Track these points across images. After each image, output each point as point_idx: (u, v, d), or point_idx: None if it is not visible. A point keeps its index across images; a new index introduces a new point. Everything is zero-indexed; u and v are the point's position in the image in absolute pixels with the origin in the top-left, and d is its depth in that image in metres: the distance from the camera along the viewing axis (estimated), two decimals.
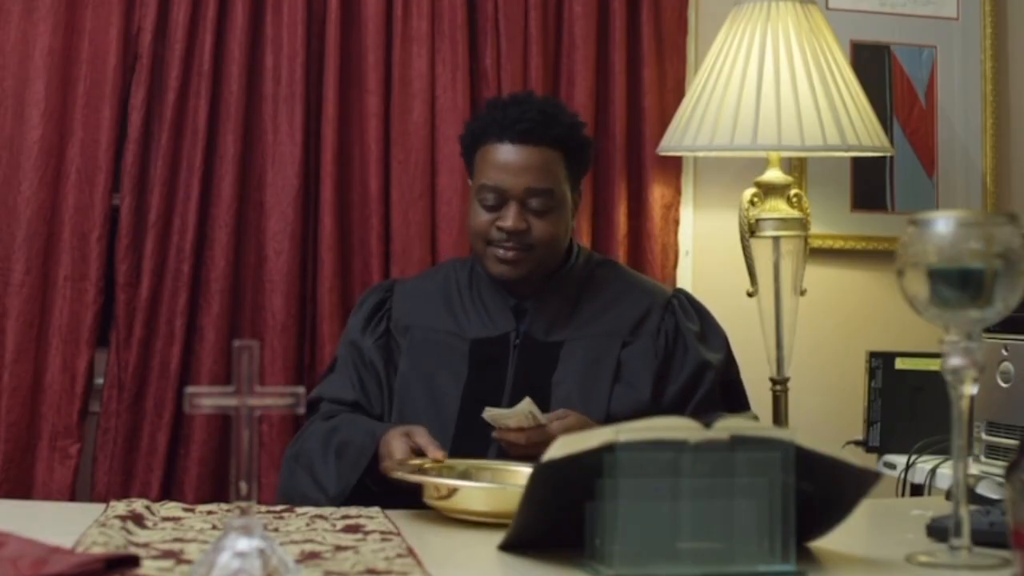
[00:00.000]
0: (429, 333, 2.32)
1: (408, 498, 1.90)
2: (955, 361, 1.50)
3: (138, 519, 1.69)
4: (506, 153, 2.25)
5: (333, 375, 2.38)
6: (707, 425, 1.46)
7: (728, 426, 1.47)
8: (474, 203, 2.29)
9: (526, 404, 2.07)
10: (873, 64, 3.25)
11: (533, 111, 2.26)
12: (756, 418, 2.36)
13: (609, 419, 2.11)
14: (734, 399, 2.33)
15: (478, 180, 2.29)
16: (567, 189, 2.29)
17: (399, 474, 1.89)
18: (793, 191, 3.01)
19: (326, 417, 2.30)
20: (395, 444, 2.03)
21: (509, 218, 2.25)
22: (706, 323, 2.35)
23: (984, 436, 2.46)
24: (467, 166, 2.37)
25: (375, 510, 1.86)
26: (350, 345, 2.37)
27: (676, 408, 2.23)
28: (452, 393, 2.25)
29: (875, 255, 3.26)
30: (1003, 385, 2.44)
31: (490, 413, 2.08)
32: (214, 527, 1.67)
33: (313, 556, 1.51)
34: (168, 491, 2.86)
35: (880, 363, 2.79)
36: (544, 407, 2.18)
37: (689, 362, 2.28)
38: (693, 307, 2.36)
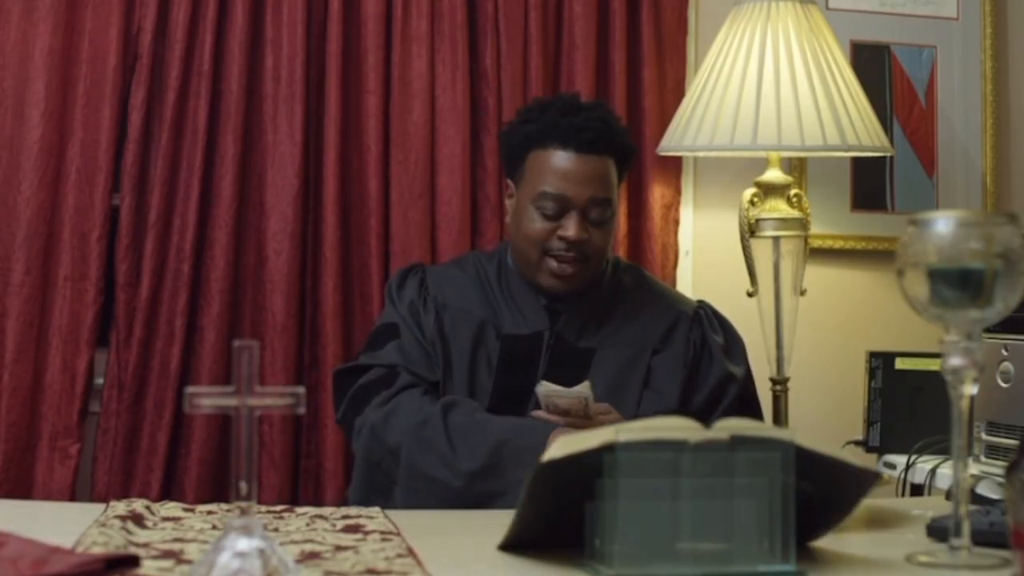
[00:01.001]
0: (469, 318, 2.31)
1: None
2: (955, 361, 1.50)
3: (138, 519, 1.69)
4: (570, 161, 2.24)
5: (401, 344, 2.29)
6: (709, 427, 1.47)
7: (728, 426, 1.47)
8: (530, 210, 2.27)
9: (585, 388, 2.06)
10: (873, 64, 3.25)
11: (595, 119, 2.25)
12: None
13: None
14: (751, 411, 2.35)
15: (536, 186, 2.26)
16: (616, 197, 2.30)
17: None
18: (793, 191, 3.01)
19: (424, 392, 2.21)
20: None
21: (571, 228, 2.23)
22: (730, 336, 2.38)
23: (984, 436, 2.46)
24: (508, 167, 2.35)
25: (375, 510, 1.86)
26: (413, 320, 2.30)
27: (701, 419, 2.23)
28: (485, 383, 2.24)
29: (875, 255, 3.26)
30: (1003, 385, 2.44)
31: (545, 388, 2.06)
32: (214, 527, 1.67)
33: (313, 556, 1.51)
34: (168, 491, 2.86)
35: (880, 363, 2.79)
36: None
37: (714, 373, 2.30)
38: (718, 320, 2.40)
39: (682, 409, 2.24)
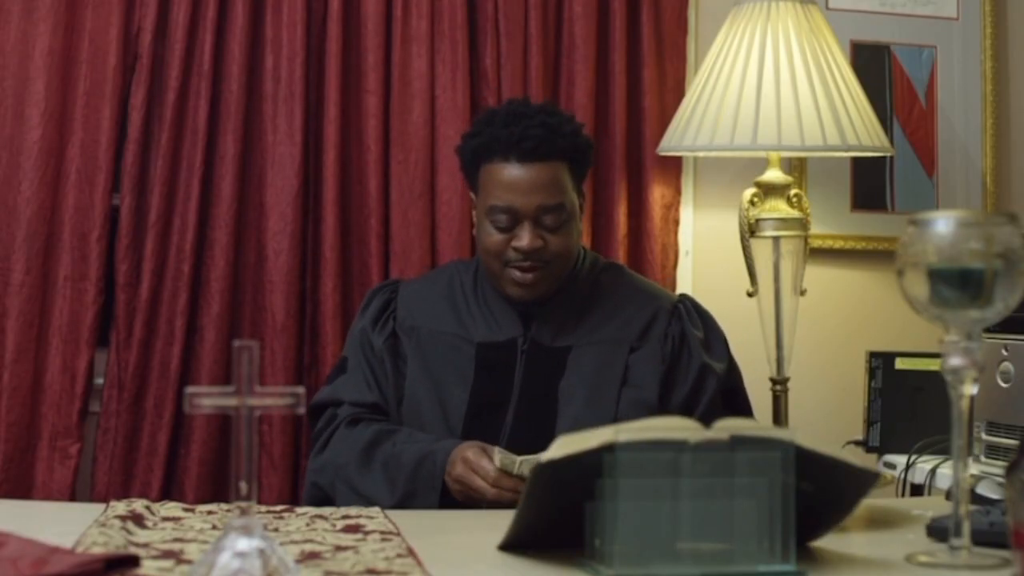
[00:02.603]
0: (435, 335, 2.32)
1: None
2: (955, 361, 1.50)
3: (138, 519, 1.69)
4: (513, 172, 2.23)
5: (346, 376, 2.35)
6: (708, 426, 1.47)
7: (728, 426, 1.47)
8: (484, 223, 2.27)
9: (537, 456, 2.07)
10: (873, 64, 3.25)
11: (535, 126, 2.23)
12: None
13: (617, 423, 2.11)
14: (738, 406, 2.33)
15: (486, 200, 2.27)
16: (574, 197, 2.29)
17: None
18: (793, 191, 3.01)
19: (351, 422, 2.28)
20: (480, 462, 2.05)
21: (524, 238, 2.23)
22: (710, 330, 2.36)
23: (984, 436, 2.46)
24: (468, 180, 2.35)
25: (375, 510, 1.86)
26: (361, 344, 2.35)
27: (682, 413, 2.23)
28: (459, 397, 2.24)
29: (875, 255, 3.26)
30: (1003, 385, 2.44)
31: (499, 457, 2.06)
32: (214, 527, 1.67)
33: (313, 556, 1.51)
34: (168, 491, 2.86)
35: (880, 363, 2.79)
36: (551, 413, 2.19)
37: (693, 368, 2.28)
38: (698, 313, 2.37)
39: (662, 405, 2.24)
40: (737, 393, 2.36)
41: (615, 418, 2.17)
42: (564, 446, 1.47)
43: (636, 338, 2.29)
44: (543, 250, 2.24)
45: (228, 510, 1.44)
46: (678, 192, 3.16)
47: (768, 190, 2.97)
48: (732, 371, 2.36)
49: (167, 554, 1.49)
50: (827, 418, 3.15)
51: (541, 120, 2.25)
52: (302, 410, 1.31)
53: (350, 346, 2.40)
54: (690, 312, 2.35)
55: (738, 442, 1.45)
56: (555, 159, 2.25)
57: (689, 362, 2.29)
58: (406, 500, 2.13)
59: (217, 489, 2.87)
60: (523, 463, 2.00)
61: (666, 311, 2.33)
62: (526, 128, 2.22)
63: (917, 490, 2.58)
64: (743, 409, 2.34)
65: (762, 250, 3.00)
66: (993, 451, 2.45)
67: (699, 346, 2.30)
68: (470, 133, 2.34)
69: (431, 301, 2.36)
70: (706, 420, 2.14)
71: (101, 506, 1.81)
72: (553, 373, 2.25)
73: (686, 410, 2.24)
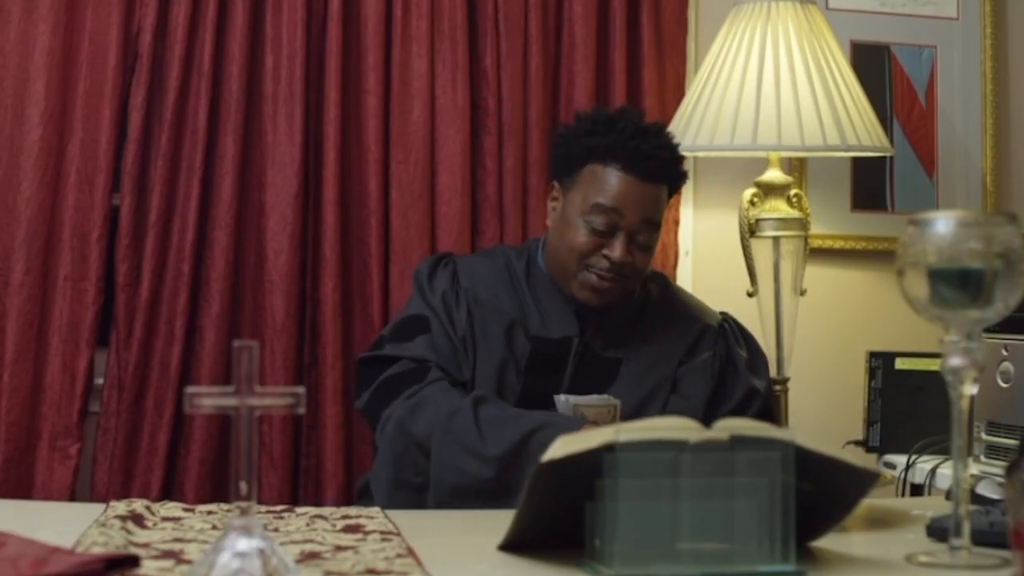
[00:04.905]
0: (497, 313, 2.30)
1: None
2: (955, 361, 1.50)
3: (138, 519, 1.69)
4: (629, 185, 2.25)
5: (430, 336, 2.27)
6: None
7: (728, 426, 1.48)
8: (579, 221, 2.26)
9: (610, 397, 2.05)
10: (873, 64, 3.25)
11: (663, 148, 2.26)
12: None
13: None
14: (771, 423, 2.34)
15: (590, 198, 2.26)
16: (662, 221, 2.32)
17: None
18: (793, 191, 3.01)
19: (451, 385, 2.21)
20: None
21: (618, 249, 2.24)
22: (753, 350, 2.40)
23: (984, 436, 2.47)
24: (559, 170, 2.34)
25: (375, 510, 1.86)
26: (440, 312, 2.29)
27: None
28: (513, 383, 2.24)
29: (875, 255, 3.26)
30: (1003, 385, 2.44)
31: (572, 400, 2.05)
32: (214, 527, 1.67)
33: (313, 556, 1.51)
34: (168, 491, 2.86)
35: (880, 363, 2.79)
36: None
37: (740, 387, 2.31)
38: (742, 333, 2.41)
39: (707, 421, 2.24)
40: (771, 414, 2.38)
41: None
42: (564, 446, 1.47)
43: (684, 353, 2.32)
44: (630, 265, 2.25)
45: (228, 510, 1.44)
46: (678, 192, 3.15)
47: (768, 190, 2.97)
48: (771, 391, 2.40)
49: (167, 554, 1.49)
50: (827, 418, 3.15)
51: (666, 143, 2.28)
52: (302, 410, 1.31)
53: (429, 310, 2.30)
54: (735, 332, 2.39)
55: (738, 442, 1.46)
56: (665, 183, 2.28)
57: (735, 382, 2.31)
58: (515, 459, 2.05)
59: (217, 489, 2.87)
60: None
61: (713, 330, 2.36)
62: (656, 148, 2.25)
63: (917, 490, 2.58)
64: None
65: (762, 250, 3.01)
66: (993, 451, 2.45)
67: (745, 367, 2.33)
68: (585, 130, 2.30)
69: (490, 277, 2.35)
70: None
71: (101, 506, 1.81)
72: (603, 381, 2.26)
73: None
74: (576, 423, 2.08)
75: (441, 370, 2.23)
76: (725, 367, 2.32)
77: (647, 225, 2.26)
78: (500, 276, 2.35)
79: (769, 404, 2.38)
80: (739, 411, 2.29)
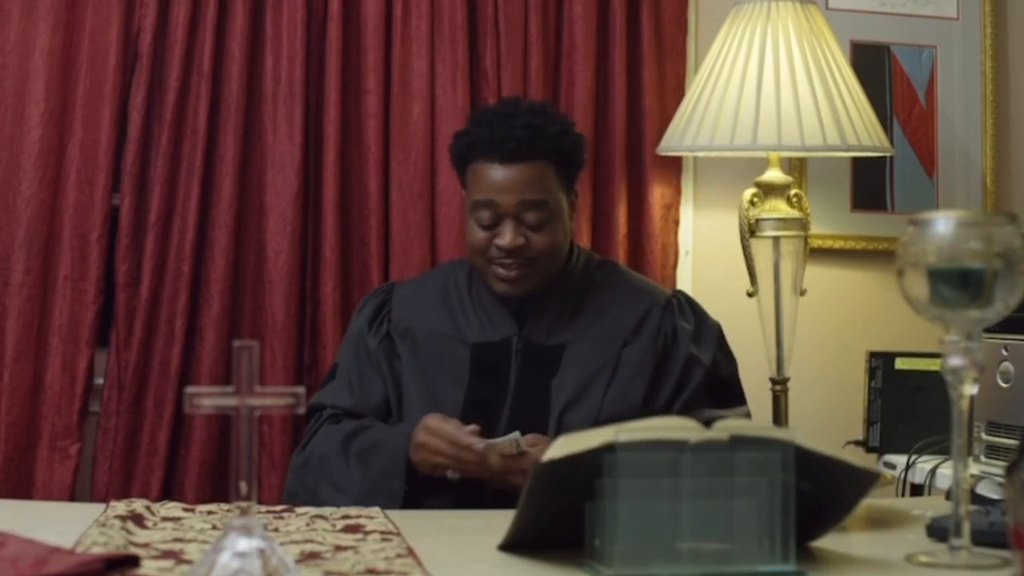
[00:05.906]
0: (430, 336, 2.32)
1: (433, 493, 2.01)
2: (955, 361, 1.50)
3: (138, 519, 1.69)
4: (495, 172, 2.25)
5: (335, 382, 2.37)
6: (707, 425, 1.47)
7: (728, 426, 1.47)
8: (470, 220, 2.29)
9: (513, 435, 2.10)
10: (873, 64, 3.25)
11: (519, 127, 2.23)
12: (748, 415, 2.36)
13: (599, 419, 2.13)
14: (728, 395, 2.32)
15: (470, 196, 2.29)
16: (561, 196, 2.28)
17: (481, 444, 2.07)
18: (793, 191, 3.01)
19: (334, 421, 2.31)
20: (442, 425, 2.12)
21: (506, 235, 2.24)
22: (701, 322, 2.36)
23: (984, 436, 2.47)
24: (460, 179, 2.37)
25: (375, 510, 1.87)
26: (356, 348, 2.37)
27: (667, 405, 2.24)
28: (454, 397, 2.25)
29: (875, 255, 3.26)
30: (1003, 385, 2.44)
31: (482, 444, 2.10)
32: (214, 527, 1.67)
33: (313, 556, 1.51)
34: (168, 491, 2.86)
35: (880, 363, 2.79)
36: (544, 410, 2.19)
37: (680, 359, 2.29)
38: (690, 307, 2.37)
39: (650, 400, 2.25)
40: (727, 385, 2.34)
41: (599, 413, 2.19)
42: (564, 446, 1.47)
43: (629, 333, 2.30)
44: (525, 248, 2.25)
45: (228, 510, 1.44)
46: (678, 192, 3.16)
47: (768, 190, 2.97)
48: (723, 362, 2.35)
49: (167, 554, 1.50)
50: (827, 418, 3.15)
51: (526, 121, 2.25)
52: (302, 410, 1.32)
53: (343, 351, 2.42)
54: (682, 306, 2.36)
55: (738, 442, 1.46)
56: (538, 159, 2.25)
57: (676, 355, 2.29)
58: (376, 483, 2.16)
59: (217, 489, 2.87)
60: (499, 444, 2.09)
61: (659, 307, 2.33)
62: (510, 129, 2.23)
63: (917, 490, 2.58)
64: (733, 400, 2.32)
65: (762, 250, 3.00)
66: (993, 451, 2.45)
67: (688, 338, 2.31)
68: (460, 132, 2.35)
69: (425, 302, 2.37)
70: (688, 410, 2.18)
71: (101, 506, 1.81)
72: (547, 371, 2.26)
73: (671, 402, 2.25)
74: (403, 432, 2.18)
75: (334, 408, 2.34)
76: (669, 343, 2.30)
77: (529, 206, 2.24)
78: (435, 295, 2.38)
79: (723, 375, 2.33)
80: (680, 383, 2.27)
